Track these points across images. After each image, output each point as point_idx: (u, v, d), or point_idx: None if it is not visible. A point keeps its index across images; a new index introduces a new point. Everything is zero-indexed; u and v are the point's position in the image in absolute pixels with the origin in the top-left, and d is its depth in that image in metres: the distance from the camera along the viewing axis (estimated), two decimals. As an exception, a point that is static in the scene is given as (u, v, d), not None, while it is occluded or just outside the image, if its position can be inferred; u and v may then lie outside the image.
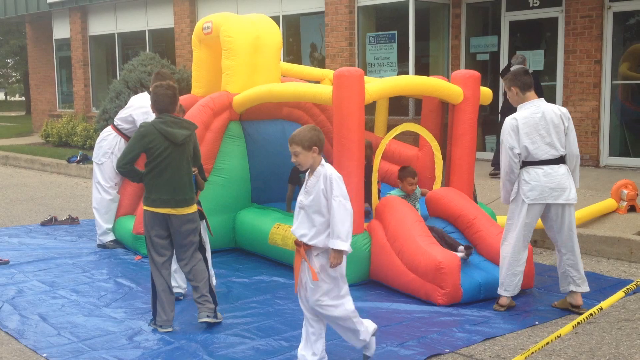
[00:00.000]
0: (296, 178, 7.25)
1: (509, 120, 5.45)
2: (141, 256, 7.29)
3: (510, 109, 10.58)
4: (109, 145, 7.84)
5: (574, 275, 5.51)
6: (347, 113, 6.07)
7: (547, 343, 4.01)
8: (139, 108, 7.62)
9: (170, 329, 5.14)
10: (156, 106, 5.13)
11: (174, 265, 5.55)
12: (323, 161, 4.30)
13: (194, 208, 5.19)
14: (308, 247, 4.23)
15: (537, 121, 5.37)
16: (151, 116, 6.50)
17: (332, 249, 4.13)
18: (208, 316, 5.12)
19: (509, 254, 5.50)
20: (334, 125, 6.21)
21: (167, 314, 5.17)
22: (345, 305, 4.28)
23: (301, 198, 4.30)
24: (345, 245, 4.12)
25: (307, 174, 4.33)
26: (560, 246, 5.54)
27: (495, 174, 10.52)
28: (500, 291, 5.54)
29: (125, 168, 5.14)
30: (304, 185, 4.32)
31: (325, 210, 4.19)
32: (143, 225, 5.21)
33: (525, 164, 5.42)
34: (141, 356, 4.67)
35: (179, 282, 5.82)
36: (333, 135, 6.26)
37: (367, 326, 4.42)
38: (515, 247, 5.48)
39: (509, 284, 5.50)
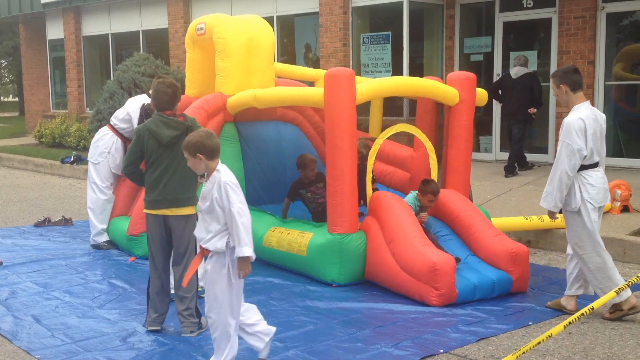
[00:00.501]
0: (295, 193, 7.21)
1: (575, 121, 5.20)
2: (135, 257, 7.27)
3: (512, 114, 10.62)
4: (105, 144, 7.83)
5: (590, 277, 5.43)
6: (339, 113, 6.07)
7: (539, 343, 4.02)
8: (136, 105, 7.65)
9: (157, 328, 5.12)
10: (155, 102, 5.16)
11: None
12: (219, 166, 4.24)
13: (191, 210, 5.11)
14: (208, 251, 4.25)
15: (594, 123, 5.27)
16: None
17: (239, 257, 4.11)
18: (192, 331, 5.07)
19: (598, 263, 5.28)
20: (326, 125, 6.21)
21: (157, 310, 5.14)
22: (221, 313, 4.23)
23: (200, 203, 4.29)
24: (250, 251, 4.11)
25: (204, 178, 4.33)
26: None
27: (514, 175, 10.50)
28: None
29: (129, 170, 5.18)
30: (202, 188, 4.32)
31: (220, 217, 4.16)
32: (145, 226, 5.20)
33: (583, 167, 5.26)
34: (135, 357, 4.66)
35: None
36: (325, 135, 6.26)
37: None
38: (601, 252, 5.30)
39: (612, 285, 5.22)
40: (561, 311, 5.48)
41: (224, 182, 4.14)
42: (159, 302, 5.14)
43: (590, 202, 5.26)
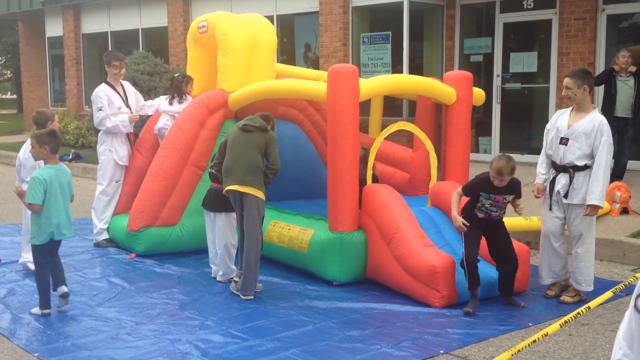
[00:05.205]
0: (475, 191, 5.62)
1: (606, 121, 5.65)
2: (135, 254, 7.25)
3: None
4: (109, 141, 7.86)
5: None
6: (341, 110, 6.06)
7: (534, 341, 4.01)
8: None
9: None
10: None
11: (213, 251, 6.41)
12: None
13: (258, 193, 5.81)
14: None
15: None
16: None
17: None
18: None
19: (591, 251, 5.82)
20: (328, 122, 6.20)
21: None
22: None
23: None
24: None
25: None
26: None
27: None
28: (587, 288, 5.81)
29: (219, 159, 5.99)
30: None
31: None
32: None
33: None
34: (133, 356, 4.65)
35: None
36: (327, 132, 6.25)
37: None
38: None
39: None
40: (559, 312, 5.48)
41: None
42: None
43: None
